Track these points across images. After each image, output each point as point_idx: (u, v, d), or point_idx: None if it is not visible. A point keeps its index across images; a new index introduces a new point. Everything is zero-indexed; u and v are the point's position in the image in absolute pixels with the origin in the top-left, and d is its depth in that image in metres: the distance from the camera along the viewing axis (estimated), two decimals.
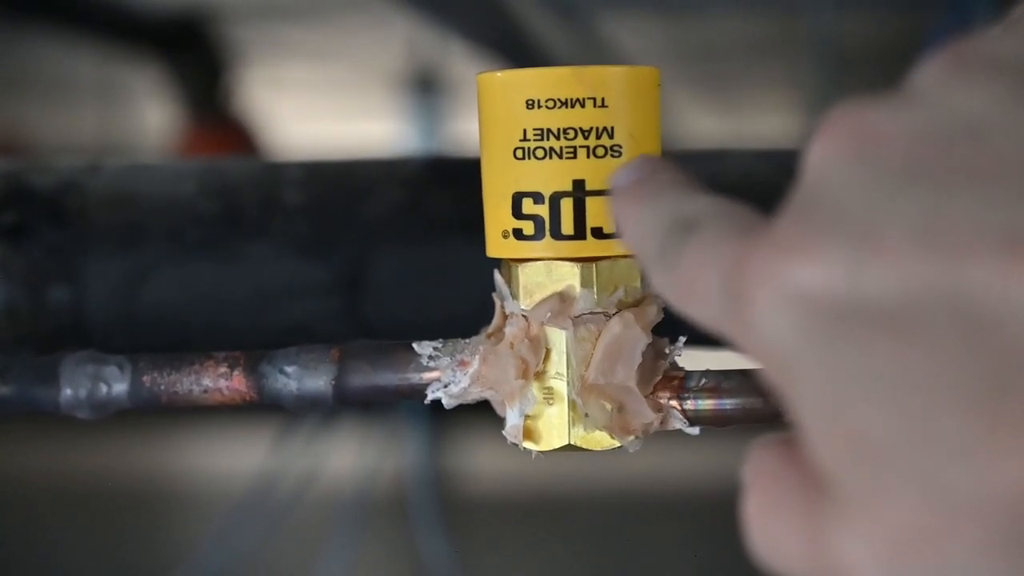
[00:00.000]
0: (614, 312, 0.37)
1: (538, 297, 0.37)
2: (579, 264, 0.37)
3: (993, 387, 0.21)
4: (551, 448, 0.38)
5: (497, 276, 0.39)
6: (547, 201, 0.37)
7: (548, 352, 0.37)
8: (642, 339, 0.37)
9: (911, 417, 0.22)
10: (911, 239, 0.23)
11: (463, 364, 0.38)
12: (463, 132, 2.63)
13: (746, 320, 0.24)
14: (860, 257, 0.23)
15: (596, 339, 0.37)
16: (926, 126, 0.24)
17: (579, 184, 0.37)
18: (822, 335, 0.23)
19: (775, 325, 0.24)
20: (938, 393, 0.22)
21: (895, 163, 0.24)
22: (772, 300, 0.24)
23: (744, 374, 0.37)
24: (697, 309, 0.27)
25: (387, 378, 0.39)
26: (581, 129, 0.36)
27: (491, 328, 0.38)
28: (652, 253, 0.28)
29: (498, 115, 0.37)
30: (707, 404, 0.37)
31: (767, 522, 0.25)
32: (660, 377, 0.38)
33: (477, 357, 0.38)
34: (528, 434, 0.38)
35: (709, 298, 0.26)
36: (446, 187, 0.53)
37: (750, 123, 3.47)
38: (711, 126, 3.37)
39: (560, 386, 0.37)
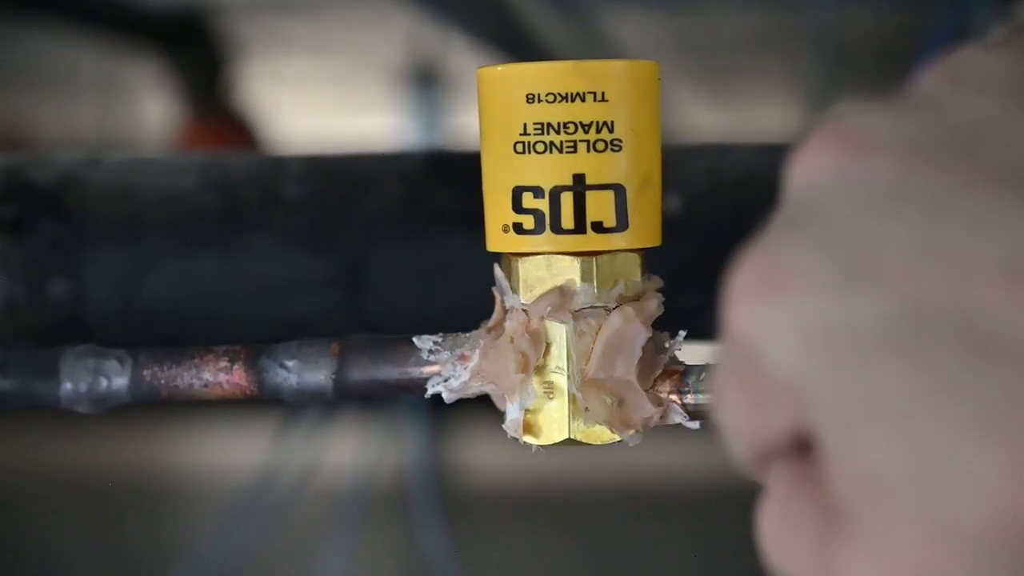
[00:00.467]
0: (614, 306, 0.37)
1: (538, 291, 0.37)
2: (579, 258, 0.37)
3: (997, 415, 0.21)
4: (551, 442, 0.38)
5: (497, 270, 0.39)
6: (547, 195, 0.37)
7: (548, 346, 0.37)
8: (642, 333, 0.37)
9: (919, 449, 0.21)
10: (909, 260, 0.22)
11: (463, 358, 0.38)
12: (463, 126, 2.63)
13: (756, 357, 0.24)
14: (858, 280, 0.22)
15: (596, 333, 0.37)
16: (919, 138, 0.23)
17: (579, 178, 0.37)
18: (829, 360, 0.22)
19: (783, 352, 0.23)
20: (943, 422, 0.21)
21: (888, 177, 0.23)
22: (774, 327, 0.23)
23: None
24: (723, 408, 0.25)
25: (387, 372, 0.39)
26: (581, 123, 0.36)
27: (491, 322, 0.38)
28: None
29: (498, 109, 0.37)
30: (707, 398, 0.37)
31: (781, 536, 0.25)
32: (660, 371, 0.38)
33: (477, 351, 0.38)
34: (528, 428, 0.38)
35: (725, 388, 0.25)
36: (446, 181, 0.53)
37: (750, 117, 3.47)
38: (711, 120, 3.37)
39: (560, 380, 0.37)
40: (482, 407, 0.40)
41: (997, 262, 0.22)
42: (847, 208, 0.23)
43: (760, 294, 0.23)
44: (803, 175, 0.24)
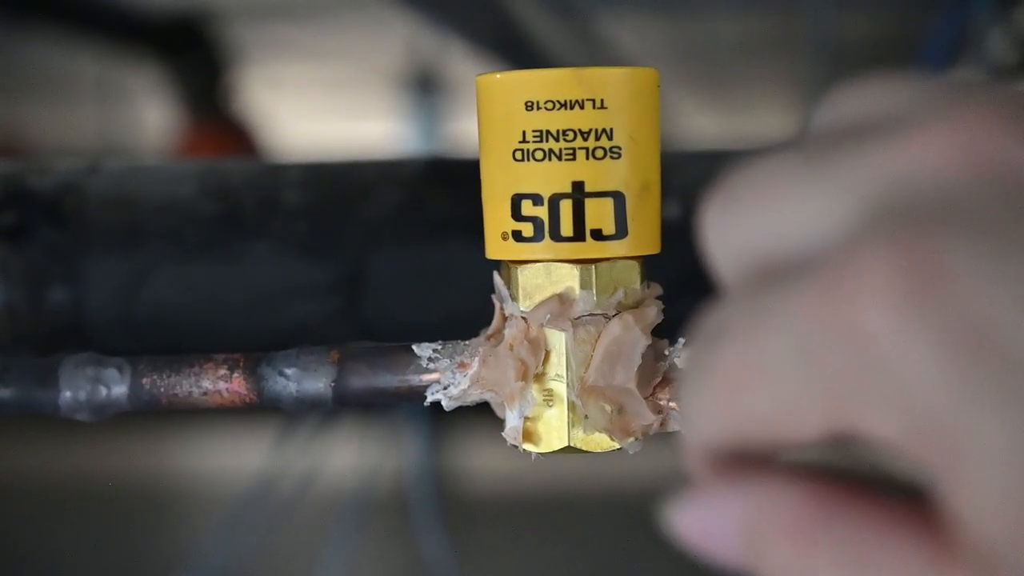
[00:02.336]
0: (613, 314, 0.37)
1: (537, 299, 0.37)
2: (578, 266, 0.37)
3: None
4: (551, 450, 0.38)
5: (496, 278, 0.38)
6: (546, 203, 0.37)
7: (548, 354, 0.37)
8: (642, 341, 0.37)
9: None
10: None
11: (462, 366, 0.38)
12: (462, 132, 2.63)
13: (875, 363, 0.20)
14: None
15: (596, 341, 0.37)
16: None
17: (578, 186, 0.37)
18: (989, 387, 0.19)
19: (925, 366, 0.19)
20: None
21: None
22: (923, 330, 0.19)
23: None
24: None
25: (386, 380, 0.39)
26: (580, 131, 0.36)
27: (491, 330, 0.38)
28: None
29: (497, 117, 0.37)
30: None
31: None
32: (660, 379, 0.38)
33: (476, 359, 0.38)
34: (528, 436, 0.38)
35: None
36: (446, 188, 0.53)
37: (750, 122, 3.47)
38: (710, 126, 3.37)
39: (560, 388, 0.37)
40: (481, 414, 0.40)
41: None
42: (1016, 212, 0.19)
43: (907, 291, 0.19)
44: (948, 163, 0.20)
